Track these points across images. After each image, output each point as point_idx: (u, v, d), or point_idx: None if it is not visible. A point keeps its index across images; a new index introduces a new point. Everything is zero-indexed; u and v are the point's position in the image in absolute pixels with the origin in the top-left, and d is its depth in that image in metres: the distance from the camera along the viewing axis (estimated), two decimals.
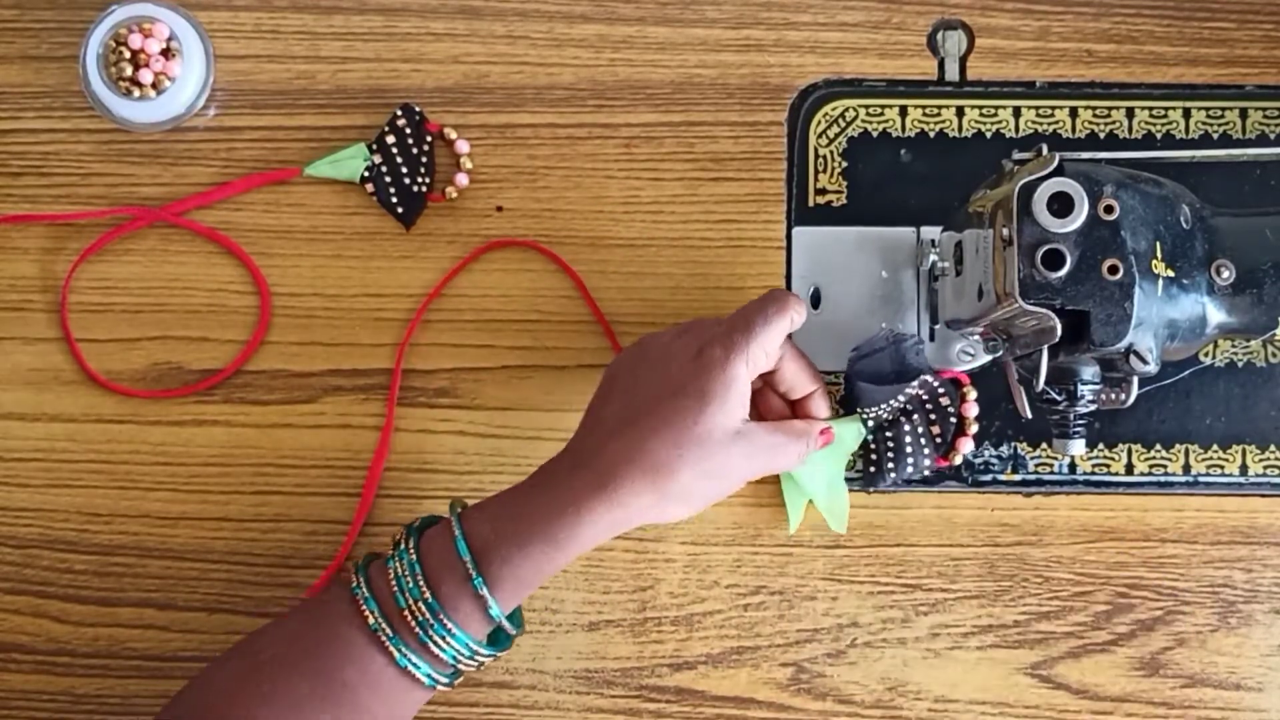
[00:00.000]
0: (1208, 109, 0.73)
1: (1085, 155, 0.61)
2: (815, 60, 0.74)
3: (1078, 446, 0.65)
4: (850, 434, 0.69)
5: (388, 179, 0.73)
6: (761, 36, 0.74)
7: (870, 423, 0.69)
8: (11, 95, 0.74)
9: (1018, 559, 0.72)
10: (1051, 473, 0.72)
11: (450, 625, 0.60)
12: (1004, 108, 0.73)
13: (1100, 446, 0.72)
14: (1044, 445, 0.72)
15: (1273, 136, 0.73)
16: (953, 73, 0.74)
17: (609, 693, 0.72)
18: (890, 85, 0.73)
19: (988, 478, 0.72)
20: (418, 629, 0.60)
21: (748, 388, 0.63)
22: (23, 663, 0.72)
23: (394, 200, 0.73)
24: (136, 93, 0.71)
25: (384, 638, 0.61)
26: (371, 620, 0.61)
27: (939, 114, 0.73)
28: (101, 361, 0.73)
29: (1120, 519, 0.72)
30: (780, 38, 0.74)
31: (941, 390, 0.69)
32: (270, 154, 0.74)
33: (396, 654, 0.61)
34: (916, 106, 0.73)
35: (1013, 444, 0.72)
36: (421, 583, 0.61)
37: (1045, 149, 0.60)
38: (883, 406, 0.69)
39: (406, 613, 0.61)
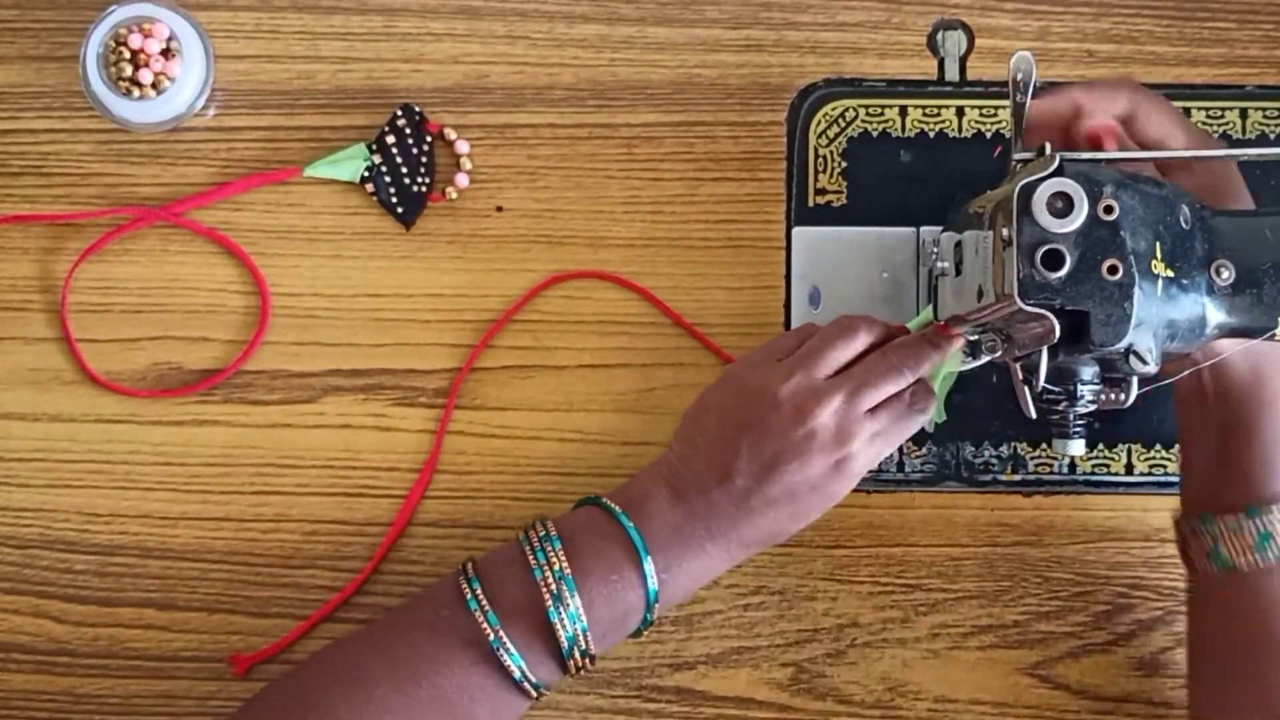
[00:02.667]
0: (1208, 109, 0.72)
1: (1085, 155, 0.61)
2: (815, 60, 0.74)
3: (1077, 446, 0.65)
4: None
5: (388, 179, 0.73)
6: (761, 36, 0.74)
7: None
8: (11, 95, 0.75)
9: (1018, 559, 0.72)
10: (1051, 473, 0.72)
11: (577, 607, 0.61)
12: (1004, 108, 0.73)
13: (1100, 446, 0.71)
14: (1044, 445, 0.72)
15: (1273, 136, 0.72)
16: (953, 73, 0.73)
17: (609, 693, 0.72)
18: (890, 85, 0.73)
19: (988, 478, 0.72)
20: (550, 602, 0.61)
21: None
22: (23, 663, 0.72)
23: (394, 200, 0.73)
24: (136, 93, 0.71)
25: (486, 626, 0.61)
26: (472, 598, 0.61)
27: (939, 114, 0.73)
28: (101, 361, 0.73)
29: (1120, 519, 0.72)
30: (780, 38, 0.74)
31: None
32: (270, 154, 0.74)
33: (504, 652, 0.61)
34: (916, 106, 0.73)
35: (1013, 444, 0.72)
36: (562, 559, 0.62)
37: (1046, 148, 0.60)
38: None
39: (544, 585, 0.61)
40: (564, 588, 0.61)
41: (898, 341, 0.66)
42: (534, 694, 0.62)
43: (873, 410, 0.64)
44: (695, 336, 0.73)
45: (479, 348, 0.73)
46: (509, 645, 0.61)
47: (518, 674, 0.61)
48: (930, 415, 0.66)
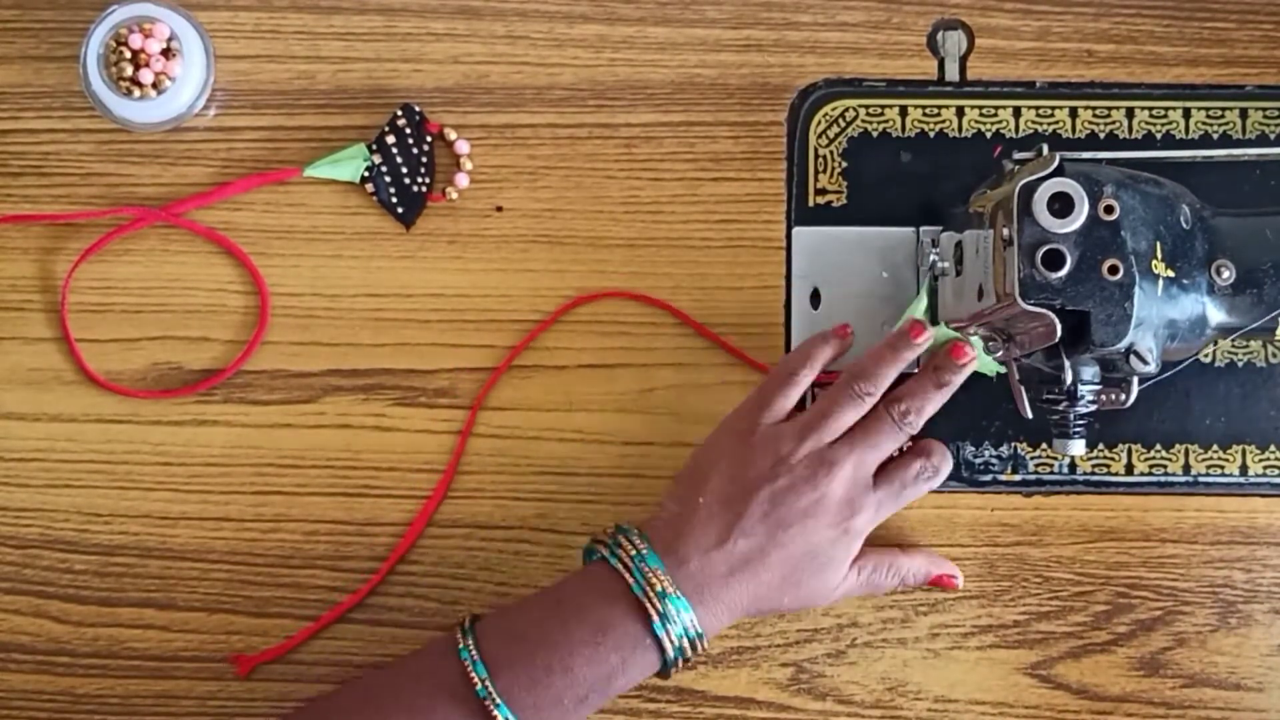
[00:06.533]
0: (1208, 109, 0.73)
1: (1085, 155, 0.61)
2: (815, 60, 0.74)
3: (1078, 446, 0.65)
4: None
5: (388, 179, 0.73)
6: (761, 36, 0.74)
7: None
8: (11, 95, 0.74)
9: (1018, 559, 0.72)
10: (1051, 473, 0.72)
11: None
12: (1004, 108, 0.73)
13: (1100, 446, 0.72)
14: (1044, 445, 0.72)
15: (1273, 136, 0.73)
16: (953, 73, 0.74)
17: None
18: (890, 85, 0.73)
19: (988, 478, 0.72)
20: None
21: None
22: (23, 663, 0.72)
23: (394, 200, 0.73)
24: (137, 93, 0.71)
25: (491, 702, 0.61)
26: (480, 686, 0.61)
27: (939, 114, 0.73)
28: (101, 361, 0.73)
29: (1120, 519, 0.72)
30: (780, 38, 0.74)
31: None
32: (270, 154, 0.74)
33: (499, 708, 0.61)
34: (916, 106, 0.73)
35: (1013, 444, 0.72)
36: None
37: (1045, 149, 0.60)
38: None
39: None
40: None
41: (899, 393, 0.66)
42: None
43: (882, 471, 0.66)
44: (730, 351, 0.73)
45: (513, 354, 0.73)
46: (496, 697, 0.61)
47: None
48: (939, 480, 0.68)
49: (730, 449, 0.66)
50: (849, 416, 0.66)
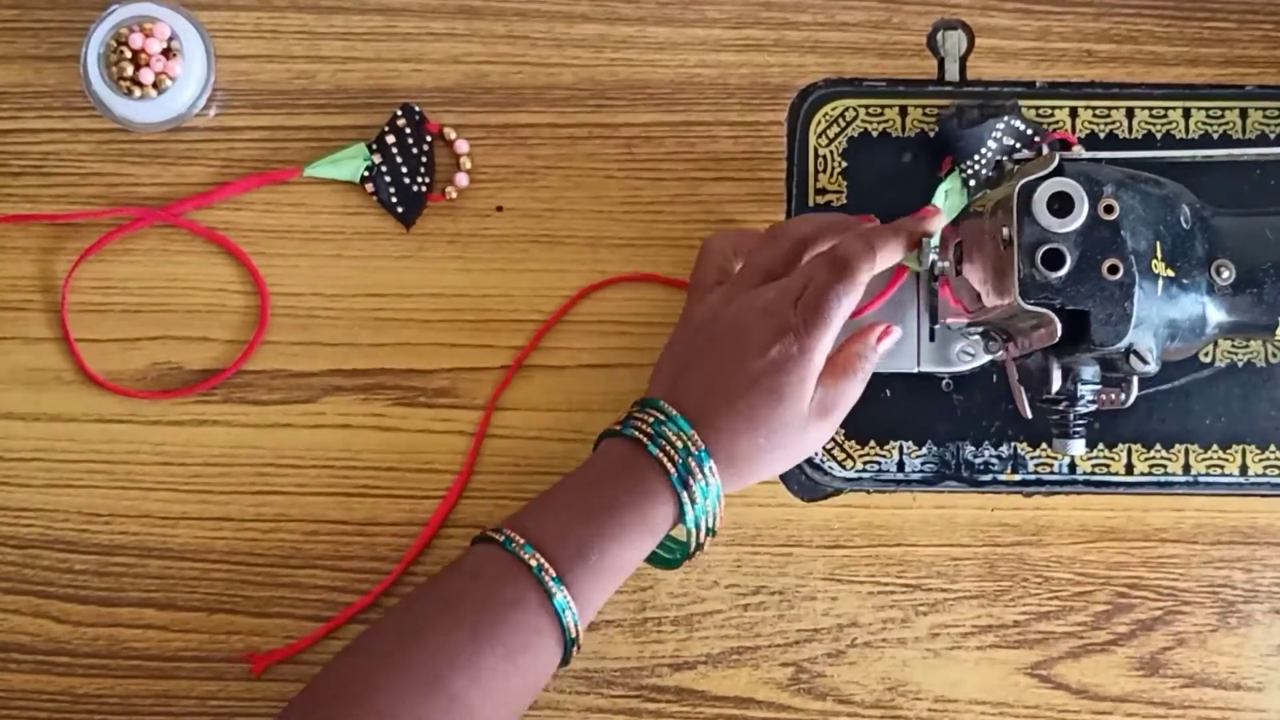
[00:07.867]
0: (1208, 109, 0.73)
1: (1085, 155, 0.61)
2: (815, 60, 0.74)
3: (1078, 446, 0.65)
4: (955, 193, 0.69)
5: (388, 179, 0.73)
6: (761, 36, 0.74)
7: (970, 180, 0.69)
8: (11, 95, 0.75)
9: (1018, 559, 0.72)
10: (1051, 473, 0.72)
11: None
12: (1004, 107, 0.73)
13: (1100, 446, 0.72)
14: (1044, 445, 0.72)
15: (1273, 136, 0.73)
16: (953, 73, 0.74)
17: (609, 693, 0.72)
18: (890, 85, 0.73)
19: (988, 478, 0.72)
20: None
21: (818, 370, 0.63)
22: (23, 663, 0.72)
23: (394, 200, 0.73)
24: (137, 92, 0.71)
25: (544, 575, 0.61)
26: (534, 563, 0.61)
27: (939, 114, 0.73)
28: (101, 361, 0.73)
29: (1120, 519, 0.72)
30: (780, 38, 0.74)
31: (1029, 131, 0.68)
32: (270, 154, 0.74)
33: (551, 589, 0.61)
34: (916, 106, 0.73)
35: (1013, 444, 0.72)
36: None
37: (1045, 149, 0.60)
38: (978, 156, 0.69)
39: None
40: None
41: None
42: (576, 643, 0.62)
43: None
44: None
45: (524, 352, 0.73)
46: (550, 571, 0.61)
47: (561, 598, 0.60)
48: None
49: (725, 316, 0.65)
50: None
